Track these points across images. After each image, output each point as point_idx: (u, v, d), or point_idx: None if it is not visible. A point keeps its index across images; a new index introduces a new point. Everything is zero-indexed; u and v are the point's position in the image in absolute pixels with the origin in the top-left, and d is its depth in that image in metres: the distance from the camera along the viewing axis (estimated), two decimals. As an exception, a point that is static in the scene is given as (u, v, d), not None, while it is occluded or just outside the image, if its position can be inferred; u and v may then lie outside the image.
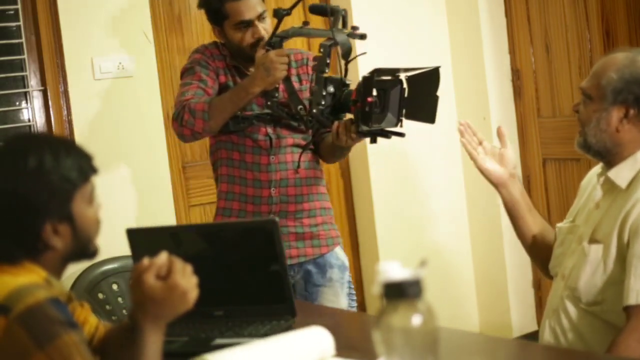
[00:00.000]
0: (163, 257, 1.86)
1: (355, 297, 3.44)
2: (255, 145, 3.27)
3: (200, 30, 4.42)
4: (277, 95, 3.14)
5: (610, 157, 2.47)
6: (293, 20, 3.25)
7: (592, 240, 2.44)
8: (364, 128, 2.93)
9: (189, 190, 4.38)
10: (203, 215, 4.41)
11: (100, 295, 3.77)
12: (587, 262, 2.42)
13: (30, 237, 1.85)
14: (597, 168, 2.59)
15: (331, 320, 2.51)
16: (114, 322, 3.28)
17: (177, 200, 4.30)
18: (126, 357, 1.88)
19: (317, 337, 2.07)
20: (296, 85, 3.23)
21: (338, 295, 3.33)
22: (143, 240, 2.46)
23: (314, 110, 3.03)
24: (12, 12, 3.94)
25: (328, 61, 2.99)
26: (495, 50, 4.81)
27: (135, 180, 4.09)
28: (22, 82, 3.98)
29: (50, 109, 3.94)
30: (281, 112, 3.16)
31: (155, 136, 4.18)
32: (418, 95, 2.96)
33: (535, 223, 2.79)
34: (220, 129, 3.20)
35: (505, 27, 4.83)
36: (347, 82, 3.04)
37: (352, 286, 3.42)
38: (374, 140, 3.03)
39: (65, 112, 3.96)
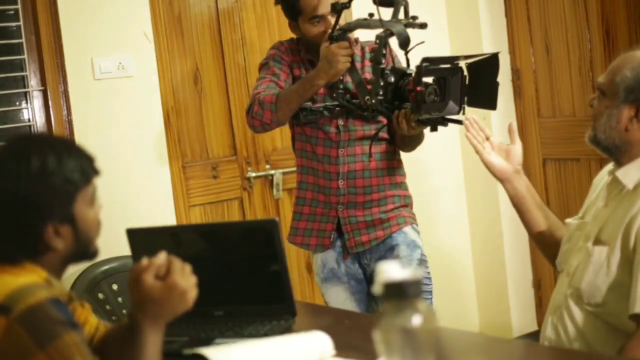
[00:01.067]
0: (162, 256, 1.87)
1: (429, 277, 3.42)
2: (326, 138, 3.35)
3: (200, 31, 4.42)
4: (341, 86, 3.22)
5: (618, 155, 2.46)
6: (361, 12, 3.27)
7: (597, 241, 2.42)
8: (423, 116, 2.96)
9: (189, 190, 4.37)
10: (203, 215, 4.41)
11: (100, 295, 3.77)
12: (590, 263, 2.41)
13: (31, 238, 1.85)
14: (610, 165, 2.57)
15: (331, 320, 2.51)
16: (114, 322, 3.28)
17: (177, 200, 4.30)
18: (126, 357, 1.88)
19: (316, 338, 2.08)
20: (368, 76, 3.24)
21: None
22: (143, 240, 2.46)
23: (373, 101, 3.09)
24: (12, 12, 3.94)
25: (384, 52, 3.05)
26: (495, 50, 4.80)
27: (135, 180, 4.09)
28: (22, 82, 3.98)
29: (50, 109, 3.94)
30: (347, 103, 3.23)
31: (155, 136, 4.18)
32: (479, 82, 3.00)
33: (543, 218, 2.77)
34: (291, 120, 3.34)
35: (505, 27, 4.83)
36: (409, 71, 3.08)
37: (426, 265, 3.42)
38: (434, 129, 3.08)
39: (65, 112, 3.96)
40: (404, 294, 1.35)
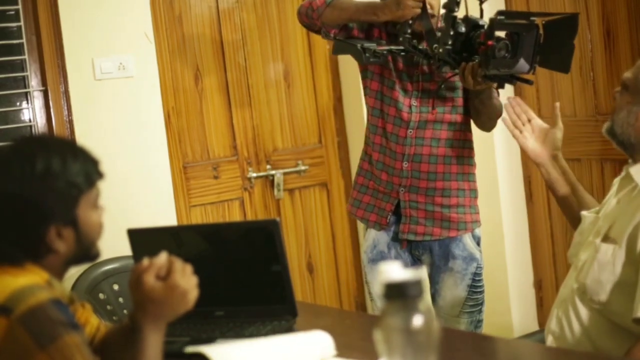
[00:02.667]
0: (163, 257, 1.87)
1: (482, 289, 3.35)
2: (397, 116, 3.25)
3: (201, 31, 4.42)
4: (409, 31, 3.08)
5: (632, 151, 2.45)
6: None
7: (606, 238, 2.41)
8: (491, 71, 2.86)
9: (190, 190, 4.38)
10: (204, 215, 4.42)
11: (101, 296, 3.77)
12: (596, 260, 2.41)
13: (33, 241, 1.85)
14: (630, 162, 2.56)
15: (332, 320, 2.51)
16: (114, 322, 3.28)
17: (177, 200, 4.30)
18: (127, 357, 1.88)
19: (317, 338, 2.08)
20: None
21: (457, 285, 3.26)
22: (144, 241, 2.46)
23: (440, 50, 2.97)
24: (12, 12, 3.94)
25: (458, 0, 2.92)
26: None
27: (136, 181, 4.09)
28: (23, 82, 3.97)
29: (51, 110, 3.94)
30: (413, 49, 3.10)
31: (156, 136, 4.17)
32: (554, 42, 2.87)
33: (577, 204, 2.77)
34: (366, 87, 3.27)
35: (506, 27, 4.82)
36: (482, 23, 2.97)
37: (479, 278, 3.32)
38: (501, 86, 2.99)
39: (66, 113, 3.96)
40: (405, 294, 1.35)
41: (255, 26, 4.56)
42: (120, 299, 3.80)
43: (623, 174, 2.52)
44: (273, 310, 2.43)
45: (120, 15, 4.07)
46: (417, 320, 1.34)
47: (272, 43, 4.61)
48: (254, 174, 4.53)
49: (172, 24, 4.35)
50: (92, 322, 2.09)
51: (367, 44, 3.11)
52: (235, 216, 4.51)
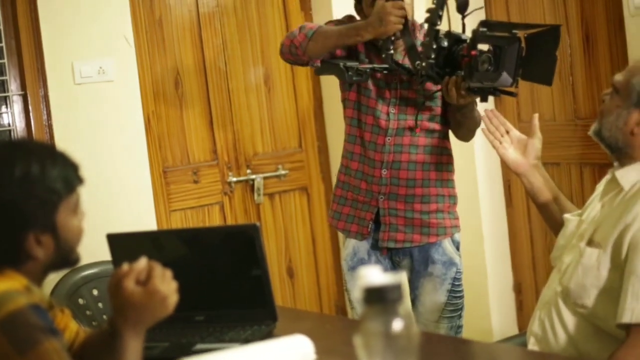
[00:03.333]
0: (142, 262, 1.86)
1: (461, 294, 3.37)
2: (375, 124, 3.27)
3: (181, 35, 4.41)
4: (391, 47, 3.10)
5: (619, 155, 2.45)
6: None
7: (590, 242, 2.42)
8: (474, 84, 2.87)
9: (170, 195, 4.37)
10: (184, 219, 4.41)
11: (81, 301, 3.75)
12: (580, 263, 2.41)
13: (12, 247, 1.84)
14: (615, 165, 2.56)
15: (312, 324, 2.51)
16: (94, 328, 3.27)
17: (157, 205, 4.29)
18: (106, 362, 1.87)
19: (297, 342, 2.07)
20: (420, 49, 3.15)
21: (437, 290, 3.29)
22: (123, 246, 2.45)
23: (423, 64, 2.98)
24: (-9, 16, 3.93)
25: (440, 13, 2.94)
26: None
27: (116, 185, 4.07)
28: (2, 86, 3.96)
29: (30, 114, 3.93)
30: (396, 66, 3.13)
31: (135, 141, 4.16)
32: (536, 55, 2.89)
33: (561, 211, 2.78)
34: (344, 100, 3.30)
35: (486, 31, 4.83)
36: (464, 37, 2.99)
37: (459, 283, 3.35)
38: (484, 99, 2.98)
39: (45, 117, 3.95)
40: (384, 298, 1.35)
41: (235, 30, 4.55)
42: (100, 304, 3.78)
43: (609, 177, 2.53)
44: (253, 314, 2.43)
45: (100, 19, 4.06)
46: (397, 325, 1.34)
47: (252, 47, 4.61)
48: (234, 179, 4.52)
49: (152, 27, 4.34)
50: (72, 328, 2.08)
51: (349, 63, 3.14)
52: (216, 221, 4.50)
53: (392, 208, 3.28)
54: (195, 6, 4.46)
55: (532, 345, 2.53)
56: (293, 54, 3.24)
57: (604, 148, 2.50)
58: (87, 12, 4.02)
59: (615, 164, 2.50)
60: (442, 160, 3.32)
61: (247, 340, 2.26)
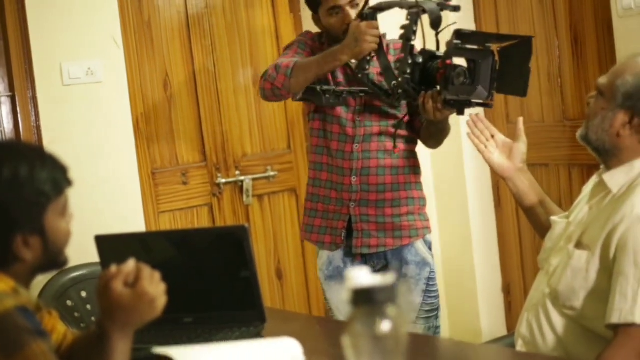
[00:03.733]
0: (131, 264, 1.86)
1: (436, 294, 3.42)
2: (341, 133, 3.30)
3: (170, 36, 4.41)
4: (368, 68, 3.14)
5: (607, 158, 2.46)
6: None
7: (579, 244, 2.43)
8: (449, 96, 2.88)
9: (159, 196, 4.36)
10: (172, 221, 4.40)
11: (69, 302, 3.74)
12: (569, 266, 2.42)
13: (0, 249, 1.84)
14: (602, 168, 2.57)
15: (301, 326, 2.51)
16: (82, 330, 3.26)
17: (146, 206, 4.28)
18: (94, 365, 1.86)
19: (286, 344, 2.07)
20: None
21: (411, 292, 3.33)
22: (112, 247, 2.44)
23: (400, 79, 3.01)
24: (-21, 17, 3.92)
25: (415, 29, 2.96)
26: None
27: (104, 187, 4.06)
28: (-10, 87, 3.95)
29: (19, 115, 3.91)
30: (372, 86, 3.16)
31: (124, 142, 4.16)
32: (510, 68, 2.92)
33: (546, 215, 2.78)
34: (309, 113, 3.35)
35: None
36: (438, 54, 3.00)
37: (433, 283, 3.40)
38: (460, 112, 2.99)
39: (33, 118, 3.94)
40: (373, 300, 1.35)
41: (224, 32, 4.55)
42: (88, 306, 3.77)
43: (596, 180, 2.53)
44: (242, 316, 2.43)
45: (89, 21, 4.04)
46: (385, 326, 1.34)
47: (241, 49, 4.61)
48: (223, 180, 4.52)
49: (140, 29, 4.33)
50: (59, 330, 2.08)
51: (326, 87, 3.19)
52: (204, 222, 4.49)
53: (364, 214, 3.30)
54: (184, 8, 4.45)
55: (520, 348, 2.54)
56: (277, 95, 3.25)
57: (592, 152, 2.50)
58: (75, 14, 4.01)
59: (602, 167, 2.51)
60: (410, 163, 3.35)
61: (235, 341, 2.26)
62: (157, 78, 4.38)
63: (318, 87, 3.18)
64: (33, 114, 3.94)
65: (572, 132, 2.58)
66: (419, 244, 3.36)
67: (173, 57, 4.42)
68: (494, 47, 2.93)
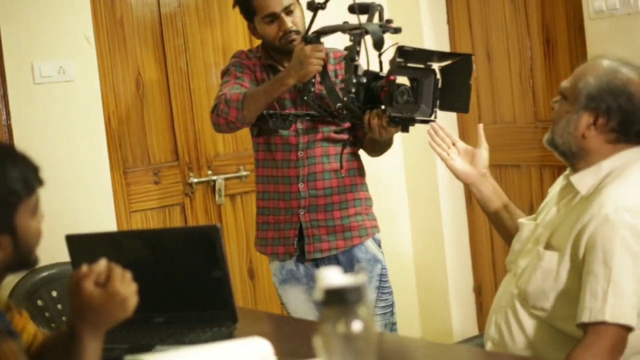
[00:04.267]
0: (102, 264, 1.85)
1: (389, 290, 3.45)
2: (285, 142, 3.35)
3: (142, 35, 4.39)
4: (312, 90, 3.20)
5: (574, 161, 2.48)
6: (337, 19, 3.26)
7: (548, 246, 2.44)
8: (394, 114, 2.93)
9: (130, 196, 4.34)
10: (144, 221, 4.38)
11: (39, 302, 3.72)
12: (539, 267, 2.43)
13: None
14: (567, 171, 2.59)
15: (273, 326, 2.51)
16: (53, 329, 3.24)
17: (117, 206, 4.27)
18: (65, 365, 1.85)
19: (256, 344, 2.07)
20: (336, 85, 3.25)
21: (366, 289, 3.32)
22: (83, 247, 2.43)
23: (345, 99, 3.06)
24: (-50, 14, 3.89)
25: (358, 49, 3.03)
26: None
27: (76, 186, 4.05)
28: (-40, 85, 3.92)
29: (-11, 113, 3.90)
30: (318, 108, 3.22)
31: (96, 141, 4.14)
32: (451, 85, 2.99)
33: (511, 220, 2.81)
34: (253, 131, 3.39)
35: (447, 34, 4.86)
36: (382, 74, 3.05)
37: (386, 279, 3.45)
38: (405, 129, 3.04)
39: (4, 117, 3.91)
40: (344, 300, 1.36)
41: (197, 30, 4.54)
42: (59, 306, 3.75)
43: (564, 182, 2.55)
44: (213, 316, 2.42)
45: (61, 19, 4.03)
46: (356, 326, 1.35)
47: (214, 47, 4.59)
48: (195, 180, 4.51)
49: (113, 27, 4.31)
50: (30, 330, 2.07)
51: (272, 111, 3.24)
52: (177, 222, 4.48)
53: (314, 219, 3.36)
54: (157, 6, 4.44)
55: (490, 350, 2.55)
56: (232, 128, 3.29)
57: (559, 156, 2.52)
58: (47, 12, 3.99)
59: (570, 170, 2.53)
60: (354, 165, 3.41)
61: (207, 342, 2.26)
62: (129, 77, 4.36)
63: (265, 112, 3.23)
64: (4, 112, 3.92)
65: (543, 133, 2.59)
66: (369, 243, 3.42)
67: (145, 55, 4.41)
68: (436, 65, 3.00)
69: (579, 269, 2.34)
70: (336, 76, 3.33)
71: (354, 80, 3.03)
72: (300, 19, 3.29)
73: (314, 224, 3.35)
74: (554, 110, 2.52)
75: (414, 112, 2.97)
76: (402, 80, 2.98)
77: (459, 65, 2.99)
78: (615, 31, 3.79)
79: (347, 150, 3.36)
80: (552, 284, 2.39)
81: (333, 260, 3.38)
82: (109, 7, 4.30)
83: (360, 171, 3.44)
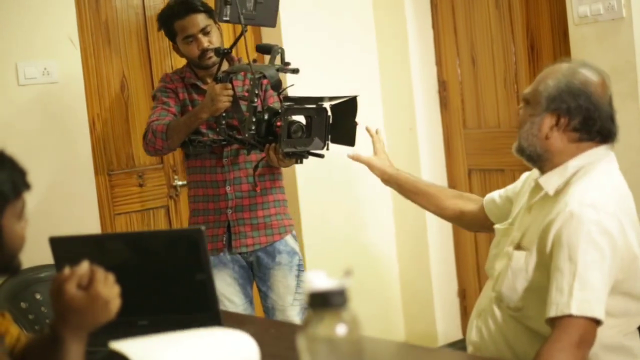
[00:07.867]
0: (84, 266, 1.84)
1: None
2: (211, 152, 3.74)
3: (127, 37, 4.38)
4: (223, 122, 3.58)
5: (541, 163, 2.51)
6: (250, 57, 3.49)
7: (518, 246, 2.48)
8: (287, 149, 3.33)
9: (115, 198, 4.33)
10: (128, 223, 4.37)
11: (23, 304, 3.71)
12: (510, 267, 2.46)
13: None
14: (535, 171, 2.61)
15: (257, 329, 2.50)
16: (36, 332, 3.23)
17: (102, 208, 4.26)
18: (47, 367, 1.85)
19: (241, 343, 2.06)
20: (246, 94, 3.57)
21: (286, 277, 3.80)
22: (67, 249, 2.42)
23: (246, 135, 3.42)
24: None
25: (257, 92, 3.38)
26: (422, 62, 4.85)
27: (60, 188, 4.03)
28: (-56, 87, 3.90)
29: (-27, 115, 3.88)
30: (229, 137, 3.61)
31: (80, 143, 4.13)
32: (340, 121, 3.36)
33: (435, 199, 3.12)
34: (181, 148, 3.77)
35: (432, 38, 4.87)
36: (281, 111, 3.37)
37: (302, 269, 3.88)
38: (299, 161, 3.46)
39: (-12, 118, 3.90)
40: (328, 303, 1.36)
41: (182, 33, 4.52)
42: (43, 308, 3.74)
43: (532, 185, 2.58)
44: (197, 319, 2.41)
45: (45, 20, 4.02)
46: (341, 330, 1.35)
47: (199, 51, 4.58)
48: (180, 182, 4.50)
49: (97, 29, 4.31)
50: (12, 332, 2.06)
51: (193, 136, 3.67)
52: (161, 224, 4.48)
53: (240, 218, 3.77)
54: (142, 9, 4.43)
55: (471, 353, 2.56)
56: (160, 154, 3.95)
57: (527, 161, 2.56)
58: (32, 13, 3.98)
59: (538, 173, 2.56)
60: (273, 170, 3.81)
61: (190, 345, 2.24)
62: (114, 79, 4.35)
63: (186, 139, 3.67)
64: (-12, 114, 3.90)
65: (528, 138, 2.61)
66: (288, 238, 3.85)
67: (130, 58, 4.40)
68: (327, 104, 3.36)
69: (547, 267, 2.36)
70: (241, 126, 3.61)
71: (254, 119, 3.39)
72: (216, 38, 3.71)
73: (240, 222, 3.76)
74: (518, 116, 2.57)
75: (308, 145, 3.37)
76: (299, 117, 3.36)
77: (347, 105, 3.34)
78: (599, 36, 3.81)
79: (258, 172, 3.71)
80: (523, 283, 2.44)
81: (256, 254, 3.79)
82: (94, 9, 4.29)
83: (278, 175, 3.86)
